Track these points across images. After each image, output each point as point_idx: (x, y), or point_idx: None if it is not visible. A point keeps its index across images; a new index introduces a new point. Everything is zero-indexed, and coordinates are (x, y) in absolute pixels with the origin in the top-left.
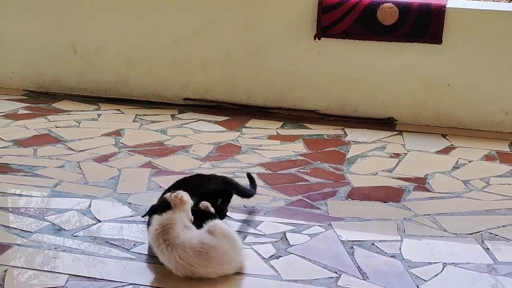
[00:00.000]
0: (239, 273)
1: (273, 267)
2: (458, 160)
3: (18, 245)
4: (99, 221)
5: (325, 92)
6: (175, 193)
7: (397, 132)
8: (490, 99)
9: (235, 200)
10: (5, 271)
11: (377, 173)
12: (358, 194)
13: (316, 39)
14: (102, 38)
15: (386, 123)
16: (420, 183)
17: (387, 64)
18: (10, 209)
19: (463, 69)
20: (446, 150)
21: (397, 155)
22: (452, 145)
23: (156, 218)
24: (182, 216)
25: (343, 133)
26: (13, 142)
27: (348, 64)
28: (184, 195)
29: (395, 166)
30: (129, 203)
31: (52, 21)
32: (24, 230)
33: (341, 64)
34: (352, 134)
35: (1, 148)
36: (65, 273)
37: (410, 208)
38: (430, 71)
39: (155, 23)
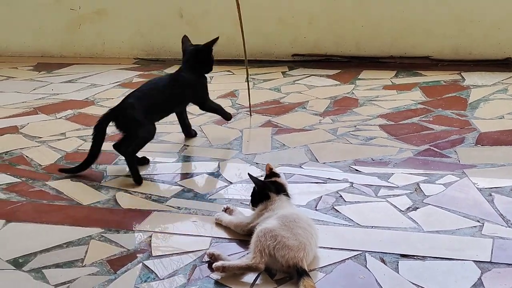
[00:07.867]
0: (377, 226)
1: (412, 219)
2: None
3: (157, 210)
4: (231, 183)
5: (437, 37)
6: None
7: None
8: None
9: (360, 153)
10: (150, 237)
11: (503, 117)
12: (487, 140)
13: None
14: (207, 2)
15: (504, 64)
16: None
17: (501, 2)
18: (144, 176)
19: None
20: None
21: None
22: None
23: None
24: None
25: (460, 77)
26: None
27: (461, 6)
28: None
29: None
30: (256, 163)
31: None
32: (161, 196)
33: (454, 7)
34: (470, 78)
35: None
36: (207, 236)
37: None
38: None
39: None
